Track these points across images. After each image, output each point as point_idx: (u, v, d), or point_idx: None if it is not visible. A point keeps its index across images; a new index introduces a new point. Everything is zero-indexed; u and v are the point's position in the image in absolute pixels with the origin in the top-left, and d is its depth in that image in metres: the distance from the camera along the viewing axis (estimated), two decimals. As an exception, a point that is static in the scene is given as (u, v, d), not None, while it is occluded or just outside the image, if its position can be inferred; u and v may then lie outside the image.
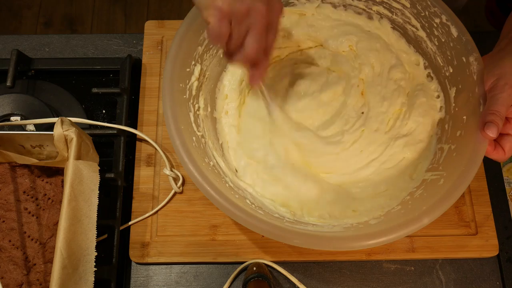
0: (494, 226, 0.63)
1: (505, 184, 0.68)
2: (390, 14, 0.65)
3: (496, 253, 0.62)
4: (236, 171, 0.62)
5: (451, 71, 0.60)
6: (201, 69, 0.61)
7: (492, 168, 0.68)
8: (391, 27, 0.66)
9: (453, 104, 0.60)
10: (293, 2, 0.67)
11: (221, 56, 0.64)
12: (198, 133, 0.58)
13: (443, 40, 0.60)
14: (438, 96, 0.63)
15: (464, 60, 0.56)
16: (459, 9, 0.63)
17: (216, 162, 0.59)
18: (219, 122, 0.65)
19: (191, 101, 0.59)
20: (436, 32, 0.61)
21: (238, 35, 0.49)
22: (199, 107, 0.61)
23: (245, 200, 0.55)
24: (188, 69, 0.59)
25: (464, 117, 0.56)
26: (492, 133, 0.48)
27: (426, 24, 0.62)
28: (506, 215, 0.66)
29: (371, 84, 0.65)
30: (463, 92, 0.58)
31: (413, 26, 0.64)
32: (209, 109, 0.63)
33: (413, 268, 0.63)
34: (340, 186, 0.61)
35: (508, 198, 0.67)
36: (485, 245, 0.63)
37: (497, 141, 0.51)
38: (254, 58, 0.50)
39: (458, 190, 0.50)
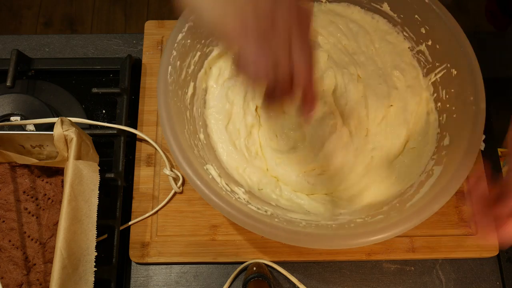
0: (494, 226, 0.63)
1: (505, 184, 0.67)
2: None
3: (496, 253, 0.62)
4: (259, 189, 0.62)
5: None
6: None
7: (492, 168, 0.68)
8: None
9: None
10: None
11: (258, 104, 0.64)
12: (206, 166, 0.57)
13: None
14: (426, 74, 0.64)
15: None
16: (447, 3, 0.64)
17: (230, 189, 0.58)
18: (216, 149, 0.63)
19: (192, 137, 0.59)
20: None
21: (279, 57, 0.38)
22: (199, 140, 0.60)
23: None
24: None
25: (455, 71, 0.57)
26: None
27: None
28: (506, 215, 0.66)
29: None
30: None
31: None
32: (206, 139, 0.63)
33: (413, 268, 0.63)
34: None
35: (508, 198, 0.67)
36: (485, 245, 0.63)
37: None
38: (308, 80, 0.40)
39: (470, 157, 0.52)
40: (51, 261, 0.57)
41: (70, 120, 0.57)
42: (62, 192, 0.58)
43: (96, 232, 0.54)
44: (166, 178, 0.65)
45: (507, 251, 0.64)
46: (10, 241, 0.58)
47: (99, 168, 0.57)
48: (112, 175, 0.63)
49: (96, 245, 0.53)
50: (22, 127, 0.67)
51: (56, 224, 0.59)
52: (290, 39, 0.39)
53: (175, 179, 0.65)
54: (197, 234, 0.63)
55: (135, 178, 0.66)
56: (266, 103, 0.43)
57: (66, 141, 0.56)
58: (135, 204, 0.65)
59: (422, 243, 0.63)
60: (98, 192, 0.55)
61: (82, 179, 0.55)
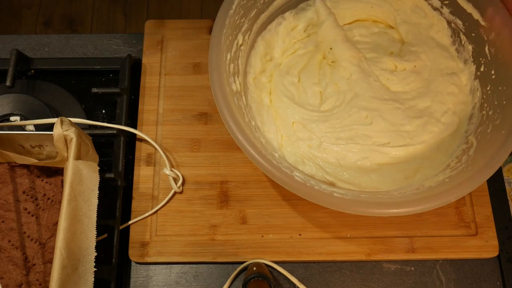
0: (494, 227, 0.63)
1: (505, 184, 0.67)
2: None
3: (495, 254, 0.62)
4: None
5: None
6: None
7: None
8: None
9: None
10: None
11: None
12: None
13: None
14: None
15: None
16: None
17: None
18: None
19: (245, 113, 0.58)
20: None
21: None
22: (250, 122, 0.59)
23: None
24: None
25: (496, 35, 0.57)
26: None
27: None
28: (506, 215, 0.66)
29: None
30: None
31: None
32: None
33: (413, 268, 0.63)
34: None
35: (508, 198, 0.67)
36: (485, 246, 0.63)
37: None
38: None
39: None
40: (50, 261, 0.57)
41: (70, 120, 0.57)
42: (61, 192, 0.58)
43: (96, 232, 0.54)
44: (166, 178, 0.65)
45: (507, 252, 0.64)
46: (9, 241, 0.58)
47: (99, 168, 0.57)
48: (112, 175, 0.63)
49: (96, 245, 0.53)
50: (21, 127, 0.67)
51: (55, 224, 0.59)
52: None
53: (175, 179, 0.65)
54: (197, 234, 0.63)
55: (135, 178, 0.66)
56: None
57: (66, 141, 0.56)
58: (134, 204, 0.65)
59: (422, 243, 0.63)
60: (98, 192, 0.55)
61: (82, 179, 0.54)
